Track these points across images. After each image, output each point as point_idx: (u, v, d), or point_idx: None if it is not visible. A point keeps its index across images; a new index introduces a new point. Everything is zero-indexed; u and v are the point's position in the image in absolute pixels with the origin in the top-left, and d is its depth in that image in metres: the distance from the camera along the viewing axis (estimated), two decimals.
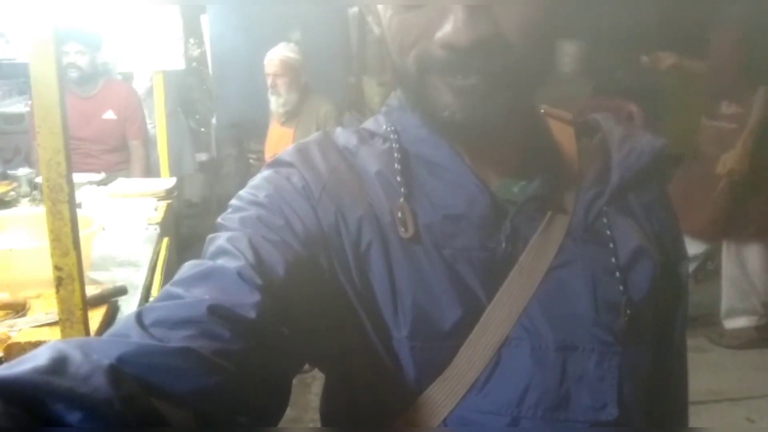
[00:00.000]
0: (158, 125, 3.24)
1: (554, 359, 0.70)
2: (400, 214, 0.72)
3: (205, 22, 5.44)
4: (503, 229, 0.72)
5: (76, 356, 0.47)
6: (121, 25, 3.03)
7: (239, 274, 0.62)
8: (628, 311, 0.71)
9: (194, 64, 6.26)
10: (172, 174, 3.56)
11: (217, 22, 5.33)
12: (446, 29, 0.63)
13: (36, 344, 1.45)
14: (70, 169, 1.12)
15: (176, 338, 0.55)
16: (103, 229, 2.44)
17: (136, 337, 0.54)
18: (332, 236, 0.71)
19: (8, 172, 2.93)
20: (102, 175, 3.13)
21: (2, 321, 1.61)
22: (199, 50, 5.95)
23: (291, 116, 3.64)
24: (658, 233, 0.78)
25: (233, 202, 0.75)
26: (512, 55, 0.65)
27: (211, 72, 5.66)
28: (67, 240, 1.13)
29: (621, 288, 0.72)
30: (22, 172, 2.86)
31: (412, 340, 0.70)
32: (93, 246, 2.07)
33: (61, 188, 1.11)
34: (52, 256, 1.13)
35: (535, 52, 0.67)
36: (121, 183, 3.02)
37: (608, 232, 0.74)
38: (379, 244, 0.71)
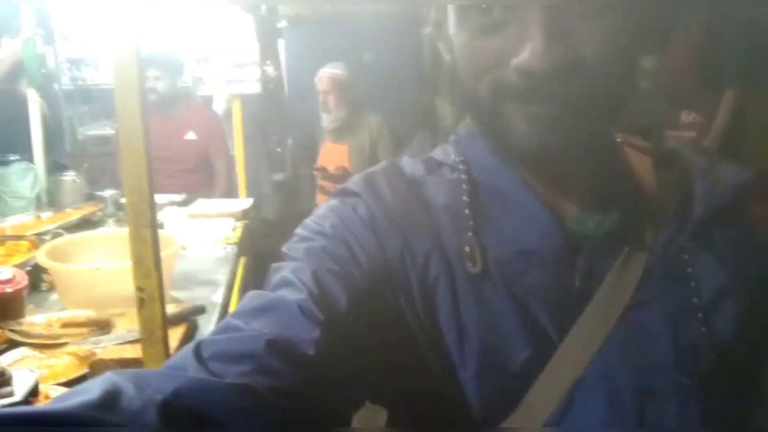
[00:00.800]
0: (236, 147, 3.33)
1: (631, 404, 0.66)
2: (467, 249, 0.69)
3: (282, 45, 5.59)
4: (577, 266, 0.69)
5: (129, 390, 0.47)
6: (200, 50, 3.13)
7: (300, 308, 0.61)
8: (712, 355, 0.67)
9: (271, 86, 6.43)
10: (249, 194, 3.66)
11: (292, 45, 5.47)
12: (523, 55, 0.59)
13: (119, 361, 1.51)
14: (153, 194, 1.17)
15: (233, 373, 0.54)
16: (184, 248, 2.53)
17: (193, 371, 0.54)
18: (398, 269, 0.69)
19: (95, 193, 3.07)
20: (183, 196, 3.24)
21: (87, 338, 1.68)
22: (275, 73, 6.11)
23: (343, 133, 3.75)
24: (744, 271, 0.72)
25: (299, 230, 0.75)
26: (592, 81, 0.61)
27: (287, 94, 5.80)
28: (148, 262, 1.17)
29: (703, 330, 0.67)
30: (108, 193, 2.98)
31: (478, 380, 0.67)
32: (174, 265, 2.14)
33: (143, 213, 1.16)
34: (135, 277, 1.18)
35: (617, 79, 0.63)
36: (200, 204, 3.12)
37: (689, 270, 0.69)
38: (446, 279, 0.69)
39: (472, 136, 0.77)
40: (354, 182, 0.77)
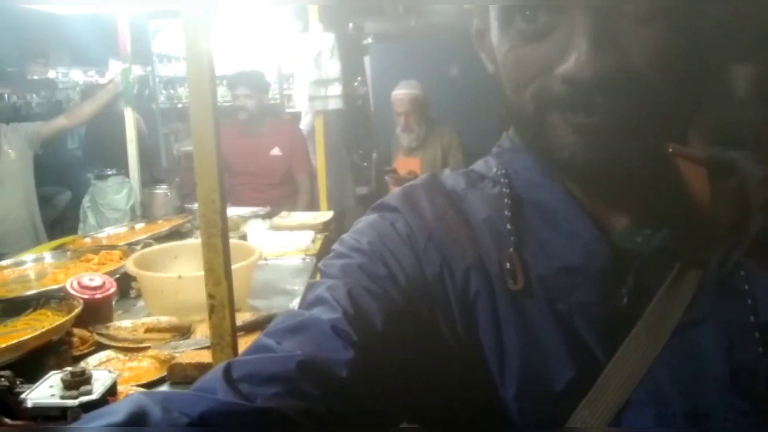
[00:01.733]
0: (318, 162, 3.41)
1: (682, 428, 0.62)
2: (509, 265, 0.67)
3: (368, 62, 5.70)
4: (626, 283, 0.65)
5: (155, 412, 0.47)
6: (288, 67, 3.22)
7: (334, 328, 0.60)
8: None
9: (359, 102, 6.56)
10: (334, 207, 3.74)
11: (378, 61, 5.57)
12: (568, 63, 0.57)
13: (196, 365, 1.57)
14: (224, 205, 1.22)
15: (263, 395, 0.54)
16: (266, 259, 2.61)
17: (222, 393, 0.53)
18: (436, 287, 0.68)
19: (185, 206, 3.21)
20: (267, 209, 3.34)
21: (168, 343, 1.76)
22: (363, 89, 6.23)
23: (417, 147, 3.82)
24: None
25: (336, 246, 0.74)
26: (642, 92, 0.58)
27: (372, 109, 5.90)
28: (219, 270, 1.22)
29: (761, 350, 0.63)
30: (197, 206, 3.10)
31: (520, 401, 0.65)
32: (253, 275, 2.21)
33: (215, 223, 1.21)
34: (206, 285, 1.23)
35: (670, 88, 0.59)
36: (283, 216, 3.21)
37: (746, 287, 0.65)
38: (486, 296, 0.67)
39: (514, 148, 0.75)
40: (393, 197, 0.76)
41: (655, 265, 0.66)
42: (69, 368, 1.26)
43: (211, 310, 1.25)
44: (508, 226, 0.69)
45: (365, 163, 6.32)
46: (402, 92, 3.75)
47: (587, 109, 0.59)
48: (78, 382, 1.20)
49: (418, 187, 0.76)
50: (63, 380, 1.20)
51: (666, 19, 0.58)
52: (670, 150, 0.74)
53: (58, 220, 5.24)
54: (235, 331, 1.28)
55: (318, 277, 0.73)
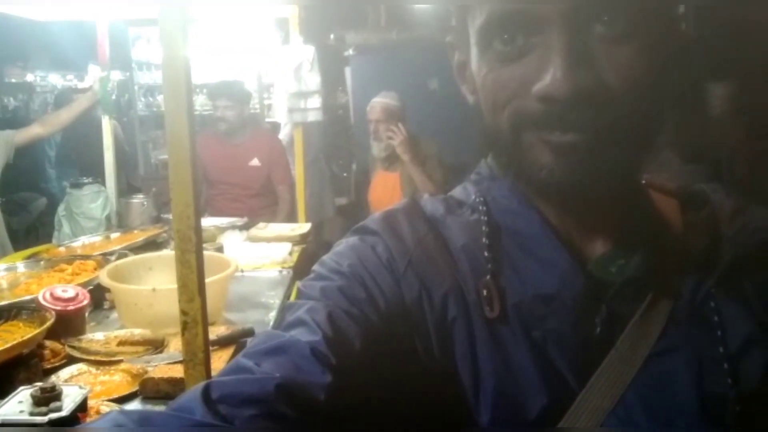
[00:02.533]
0: (297, 174, 3.41)
1: None
2: (485, 292, 0.68)
3: (348, 73, 5.72)
4: (599, 311, 0.66)
5: None
6: (267, 78, 3.22)
7: (313, 351, 0.61)
8: (738, 407, 0.64)
9: (339, 111, 6.57)
10: (313, 217, 3.73)
11: (359, 73, 5.59)
12: (545, 81, 0.59)
13: (168, 380, 1.56)
14: (199, 221, 1.22)
15: (241, 417, 0.54)
16: (242, 271, 2.60)
17: (200, 414, 0.54)
18: (415, 312, 0.68)
19: (162, 215, 3.19)
20: (245, 220, 3.33)
21: (141, 356, 1.75)
22: (344, 98, 6.24)
23: (394, 161, 3.69)
24: None
25: (316, 267, 0.74)
26: (616, 109, 0.60)
27: (352, 120, 5.91)
28: (193, 287, 1.22)
29: (730, 380, 0.64)
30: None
31: (494, 427, 0.65)
32: (229, 287, 2.20)
33: (189, 239, 1.20)
34: (179, 301, 1.22)
35: (643, 106, 0.61)
36: (260, 227, 3.20)
37: (716, 318, 0.66)
38: (463, 322, 0.67)
39: (492, 176, 0.76)
40: (374, 220, 0.76)
41: (628, 294, 0.67)
42: (39, 384, 1.24)
43: (184, 326, 1.24)
44: (486, 254, 0.70)
45: (345, 174, 6.32)
46: (376, 100, 3.72)
47: (562, 126, 0.60)
48: (48, 398, 1.19)
49: (399, 212, 0.77)
50: (33, 396, 1.19)
51: (638, 39, 0.60)
52: (644, 181, 0.76)
53: (34, 227, 5.19)
54: (208, 347, 1.27)
55: (294, 293, 0.74)
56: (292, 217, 3.67)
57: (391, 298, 0.68)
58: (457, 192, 0.79)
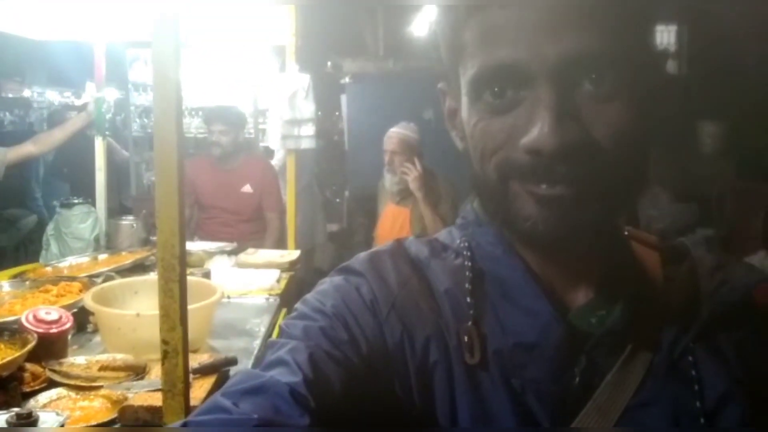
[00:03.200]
0: (288, 200, 3.41)
1: None
2: (466, 338, 0.68)
3: (344, 101, 5.76)
4: (579, 362, 0.67)
5: None
6: (262, 103, 3.23)
7: (292, 392, 0.60)
8: None
9: (335, 137, 6.60)
10: (304, 243, 3.72)
11: (354, 100, 5.63)
12: (532, 134, 0.60)
13: (148, 408, 1.54)
14: (184, 251, 1.22)
15: None
16: (228, 297, 2.58)
17: None
18: (396, 355, 0.68)
19: (151, 238, 3.17)
20: (234, 245, 3.32)
21: (121, 382, 1.73)
22: (341, 124, 6.28)
23: (406, 195, 3.56)
24: (750, 375, 0.68)
25: (299, 306, 0.74)
26: (602, 163, 0.61)
27: (347, 147, 5.94)
28: (175, 316, 1.21)
29: (702, 420, 0.65)
30: None
31: None
32: (214, 314, 2.19)
33: (173, 268, 1.20)
34: (161, 330, 1.22)
35: (627, 162, 0.62)
36: (249, 253, 3.19)
37: (693, 372, 0.67)
38: (443, 367, 0.68)
39: (478, 222, 0.77)
40: (359, 261, 0.77)
41: (608, 346, 0.68)
42: (16, 410, 1.23)
43: (164, 355, 1.23)
44: (468, 299, 0.70)
45: (338, 200, 6.33)
46: (394, 131, 3.56)
47: (549, 179, 0.61)
48: (23, 424, 1.18)
49: (384, 253, 0.77)
50: (8, 422, 1.18)
51: (625, 96, 0.61)
52: (626, 233, 0.77)
53: (23, 244, 5.16)
54: (188, 378, 1.27)
55: (277, 328, 0.74)
56: (281, 244, 3.66)
57: (373, 341, 0.68)
58: (442, 235, 0.80)
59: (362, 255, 0.78)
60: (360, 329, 0.69)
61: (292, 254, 3.20)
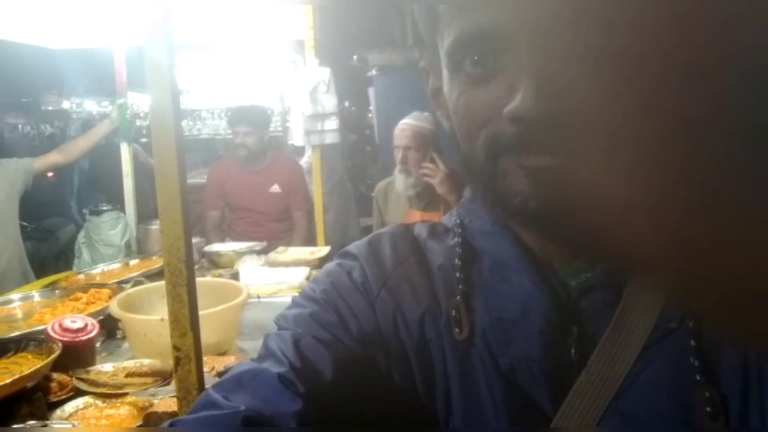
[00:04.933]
0: (315, 197, 3.37)
1: None
2: (455, 313, 0.67)
3: (372, 94, 5.71)
4: (570, 335, 0.63)
5: None
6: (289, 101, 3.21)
7: (281, 380, 0.61)
8: (721, 416, 0.60)
9: (367, 132, 6.56)
10: (337, 239, 3.70)
11: (382, 93, 5.57)
12: (515, 101, 0.56)
13: (172, 415, 1.52)
14: (190, 254, 1.19)
15: None
16: (258, 297, 2.57)
17: None
18: (390, 334, 0.68)
19: None
20: (264, 244, 3.30)
21: (147, 389, 1.72)
22: (370, 119, 6.24)
23: (430, 199, 3.02)
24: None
25: (294, 296, 0.75)
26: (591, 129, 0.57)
27: (377, 140, 5.89)
28: (185, 321, 1.19)
29: (709, 409, 0.60)
30: (193, 241, 3.08)
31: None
32: (241, 315, 2.16)
33: (180, 272, 1.17)
34: (171, 336, 1.19)
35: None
36: (280, 251, 3.17)
37: (693, 324, 0.62)
38: (437, 345, 0.67)
39: (471, 198, 0.74)
40: (357, 244, 0.76)
41: (598, 309, 0.64)
42: (30, 423, 1.22)
43: (177, 362, 1.20)
44: (457, 275, 0.69)
45: (372, 194, 6.29)
46: (406, 122, 2.97)
47: (536, 149, 0.57)
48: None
49: (385, 235, 0.76)
50: None
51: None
52: None
53: (63, 253, 5.24)
54: (203, 384, 1.24)
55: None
56: (310, 243, 3.64)
57: (364, 321, 0.68)
58: (445, 218, 0.79)
59: (363, 239, 0.77)
60: (349, 310, 0.69)
61: (322, 251, 3.17)
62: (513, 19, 0.55)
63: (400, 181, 3.03)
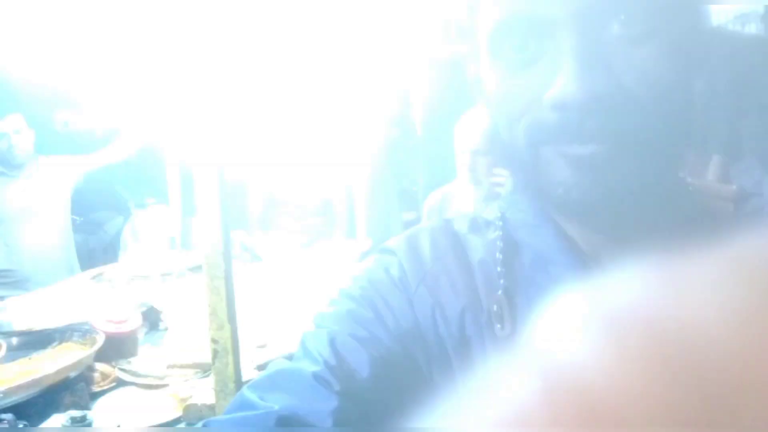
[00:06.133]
0: (358, 190, 3.36)
1: None
2: (495, 308, 0.65)
3: (416, 87, 5.67)
4: None
5: None
6: None
7: (316, 378, 0.60)
8: None
9: (410, 126, 6.52)
10: (380, 234, 3.68)
11: (425, 86, 5.53)
12: (557, 86, 0.53)
13: (211, 407, 1.53)
14: (228, 247, 1.18)
15: None
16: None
17: None
18: (429, 330, 0.66)
19: None
20: (305, 238, 3.30)
21: (188, 380, 1.73)
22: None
23: None
24: None
25: (331, 294, 0.73)
26: (636, 116, 0.53)
27: (419, 133, 5.86)
28: (222, 314, 1.18)
29: None
30: (236, 234, 3.10)
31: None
32: None
33: (218, 265, 1.17)
34: (209, 329, 1.19)
35: (666, 114, 0.55)
36: (319, 246, 3.17)
37: None
38: (478, 340, 0.65)
39: (513, 190, 0.72)
40: (397, 239, 0.74)
41: None
42: (71, 412, 1.23)
43: (214, 355, 1.20)
44: (499, 269, 0.67)
45: (414, 188, 6.26)
46: (475, 123, 2.28)
47: (580, 136, 0.54)
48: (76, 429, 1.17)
49: (424, 231, 0.74)
50: (63, 425, 1.18)
51: (660, 39, 0.54)
52: (690, 188, 0.68)
53: (111, 245, 5.33)
54: (240, 377, 1.23)
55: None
56: (349, 236, 3.64)
57: (401, 317, 0.66)
58: (487, 211, 0.76)
59: (404, 233, 0.75)
60: (387, 306, 0.67)
61: (364, 244, 3.16)
62: (555, 2, 0.53)
63: (468, 193, 2.41)
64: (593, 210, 0.58)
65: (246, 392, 0.62)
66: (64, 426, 1.16)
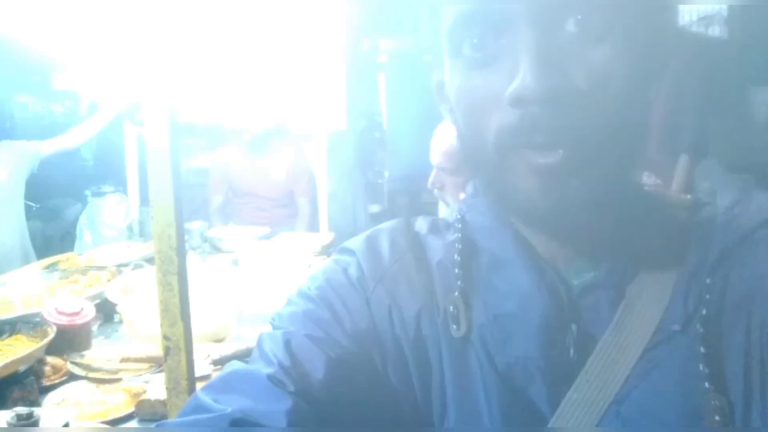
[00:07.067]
0: (321, 183, 3.34)
1: None
2: (452, 309, 0.65)
3: (382, 79, 5.66)
4: (569, 334, 0.61)
5: None
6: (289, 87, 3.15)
7: (270, 379, 0.60)
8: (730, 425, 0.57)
9: (377, 118, 6.50)
10: (345, 226, 3.66)
11: (392, 79, 5.53)
12: (515, 83, 0.54)
13: (165, 402, 1.50)
14: (182, 241, 1.16)
15: None
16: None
17: None
18: (385, 331, 0.66)
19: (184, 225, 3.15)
20: (266, 230, 3.27)
21: (142, 374, 1.69)
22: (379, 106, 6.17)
23: None
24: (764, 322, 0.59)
25: (289, 294, 0.73)
26: (594, 111, 0.54)
27: (385, 127, 5.85)
28: (175, 310, 1.16)
29: (715, 402, 0.57)
30: (196, 225, 3.06)
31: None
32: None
33: (171, 260, 1.14)
34: (161, 326, 1.16)
35: (621, 115, 0.55)
36: (281, 238, 3.14)
37: (702, 330, 0.59)
38: (434, 341, 0.66)
39: (474, 194, 0.73)
40: (356, 240, 0.75)
41: (597, 309, 0.62)
42: (17, 409, 1.19)
43: (166, 352, 1.17)
44: (456, 270, 0.68)
45: (379, 180, 6.24)
46: (442, 138, 2.15)
47: (546, 142, 0.54)
48: (23, 425, 1.14)
49: (384, 231, 0.75)
50: (8, 423, 1.14)
51: (616, 40, 0.54)
52: (647, 191, 0.70)
53: (69, 233, 5.22)
54: (193, 375, 1.21)
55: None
56: (312, 229, 3.61)
57: (358, 317, 0.67)
58: (447, 213, 0.79)
59: (362, 234, 0.76)
60: (344, 307, 0.67)
61: (325, 238, 3.14)
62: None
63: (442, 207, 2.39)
64: (552, 218, 0.59)
65: (200, 395, 0.61)
66: (8, 423, 1.13)
